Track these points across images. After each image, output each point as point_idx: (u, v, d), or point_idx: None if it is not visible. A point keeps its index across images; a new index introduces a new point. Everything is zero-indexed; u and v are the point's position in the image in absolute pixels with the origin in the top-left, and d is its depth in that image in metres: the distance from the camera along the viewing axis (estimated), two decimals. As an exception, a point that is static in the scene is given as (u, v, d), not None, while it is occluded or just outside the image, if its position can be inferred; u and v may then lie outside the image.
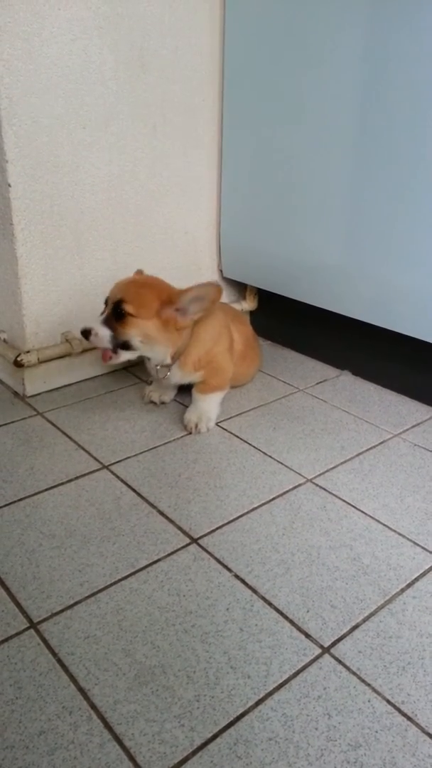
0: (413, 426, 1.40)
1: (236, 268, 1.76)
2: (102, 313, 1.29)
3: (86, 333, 1.27)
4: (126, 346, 1.29)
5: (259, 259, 1.67)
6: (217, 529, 1.06)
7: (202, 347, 1.33)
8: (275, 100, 1.48)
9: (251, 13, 1.47)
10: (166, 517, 1.09)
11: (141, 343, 1.29)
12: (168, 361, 1.32)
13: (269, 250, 1.63)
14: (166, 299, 1.26)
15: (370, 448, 1.31)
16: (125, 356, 1.31)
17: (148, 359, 1.37)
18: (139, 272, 1.40)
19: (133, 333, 1.27)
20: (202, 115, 1.59)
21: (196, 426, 1.35)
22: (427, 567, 0.99)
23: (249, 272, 1.73)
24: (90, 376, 1.60)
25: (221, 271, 1.80)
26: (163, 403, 1.47)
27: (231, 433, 1.36)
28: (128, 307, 1.25)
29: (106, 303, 1.30)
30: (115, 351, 1.29)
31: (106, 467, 1.23)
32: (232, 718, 0.75)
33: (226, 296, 1.84)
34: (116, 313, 1.26)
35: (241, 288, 1.86)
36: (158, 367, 1.34)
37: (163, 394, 1.46)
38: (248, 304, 1.85)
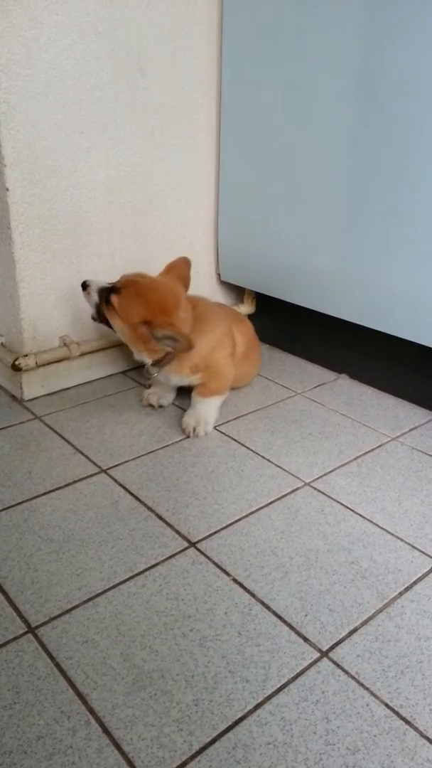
0: (411, 429, 1.40)
1: (234, 271, 1.76)
2: (110, 283, 1.32)
3: (84, 286, 1.33)
4: (107, 321, 1.33)
5: (256, 262, 1.68)
6: (216, 533, 1.06)
7: (196, 355, 1.32)
8: (273, 104, 1.49)
9: (249, 17, 1.47)
10: (165, 521, 1.09)
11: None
12: (149, 362, 1.33)
13: (267, 254, 1.64)
14: (149, 319, 1.24)
15: (368, 452, 1.31)
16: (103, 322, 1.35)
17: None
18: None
19: (112, 322, 1.31)
20: (199, 120, 1.60)
21: (195, 430, 1.35)
22: (425, 570, 0.99)
23: (247, 276, 1.73)
24: (88, 380, 1.60)
25: (219, 274, 1.80)
26: (161, 406, 1.47)
27: (229, 436, 1.36)
28: (114, 300, 1.27)
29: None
30: (96, 315, 1.34)
31: (104, 471, 1.23)
32: (230, 723, 0.75)
33: (225, 300, 1.84)
34: (108, 294, 1.29)
35: (239, 292, 1.86)
36: (146, 366, 1.34)
37: (161, 397, 1.46)
38: (246, 308, 1.85)
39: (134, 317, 1.26)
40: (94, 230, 1.49)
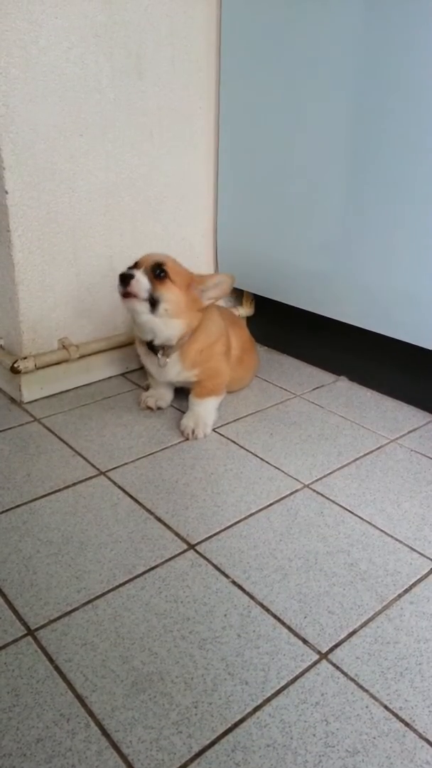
0: (410, 431, 1.40)
1: (233, 274, 1.76)
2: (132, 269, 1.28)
3: (127, 277, 1.25)
4: (154, 304, 1.26)
5: (255, 265, 1.68)
6: (215, 535, 1.06)
7: (206, 339, 1.34)
8: (271, 108, 1.49)
9: (248, 20, 1.48)
10: (164, 524, 1.09)
11: (165, 311, 1.27)
12: (173, 341, 1.32)
13: (266, 257, 1.64)
14: (194, 278, 1.32)
15: (367, 454, 1.31)
16: (143, 309, 1.26)
17: (149, 343, 1.36)
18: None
19: (168, 296, 1.26)
20: (198, 123, 1.60)
21: (193, 432, 1.35)
22: (424, 572, 0.99)
23: (246, 278, 1.74)
24: (87, 383, 1.60)
25: (218, 277, 1.80)
26: (159, 408, 1.47)
27: (228, 438, 1.36)
28: (170, 271, 1.27)
29: (135, 266, 1.28)
30: (144, 300, 1.27)
31: (103, 473, 1.23)
32: (230, 725, 0.75)
33: (224, 302, 1.84)
34: (156, 274, 1.26)
35: (238, 294, 1.86)
36: (160, 354, 1.34)
37: (159, 399, 1.46)
38: (245, 310, 1.85)
39: (186, 279, 1.30)
40: (93, 233, 1.49)
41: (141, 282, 1.25)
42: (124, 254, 1.56)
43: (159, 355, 1.34)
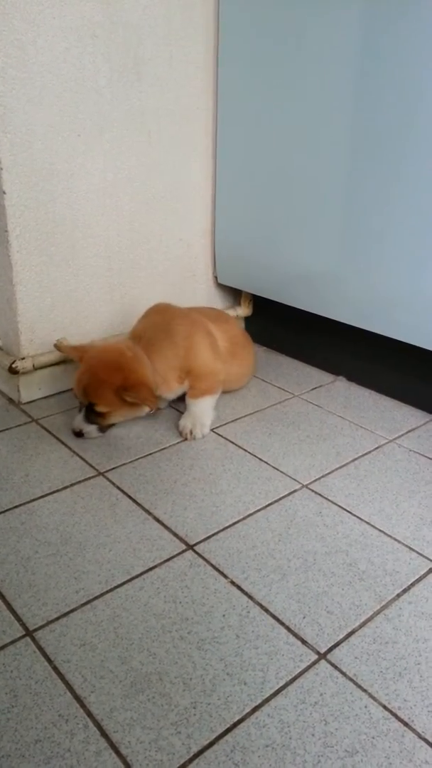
0: (408, 431, 1.40)
1: (231, 274, 1.76)
2: (80, 408, 1.34)
3: (78, 434, 1.33)
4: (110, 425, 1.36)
5: (253, 265, 1.68)
6: (213, 535, 1.06)
7: (174, 358, 1.34)
8: (270, 108, 1.49)
9: (245, 21, 1.48)
10: (162, 524, 1.09)
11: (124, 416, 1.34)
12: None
13: (264, 257, 1.64)
14: (120, 385, 1.26)
15: (366, 454, 1.31)
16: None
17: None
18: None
19: (116, 420, 1.34)
20: (196, 123, 1.60)
21: (191, 432, 1.35)
22: (422, 572, 0.99)
23: (244, 279, 1.74)
24: (85, 383, 1.60)
25: (216, 277, 1.80)
26: (158, 409, 1.47)
27: (226, 439, 1.36)
28: (100, 408, 1.29)
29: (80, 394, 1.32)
30: (102, 428, 1.35)
31: (102, 474, 1.23)
32: (228, 725, 0.75)
33: (222, 302, 1.84)
34: (93, 411, 1.30)
35: (236, 294, 1.87)
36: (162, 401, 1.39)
37: (158, 400, 1.47)
38: (243, 311, 1.86)
39: (115, 397, 1.27)
40: (91, 233, 1.49)
41: (91, 433, 1.33)
42: (122, 254, 1.56)
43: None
